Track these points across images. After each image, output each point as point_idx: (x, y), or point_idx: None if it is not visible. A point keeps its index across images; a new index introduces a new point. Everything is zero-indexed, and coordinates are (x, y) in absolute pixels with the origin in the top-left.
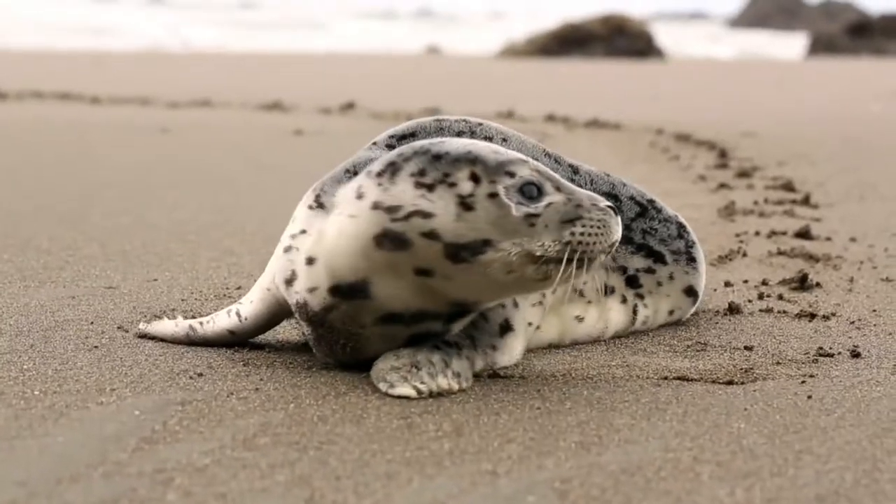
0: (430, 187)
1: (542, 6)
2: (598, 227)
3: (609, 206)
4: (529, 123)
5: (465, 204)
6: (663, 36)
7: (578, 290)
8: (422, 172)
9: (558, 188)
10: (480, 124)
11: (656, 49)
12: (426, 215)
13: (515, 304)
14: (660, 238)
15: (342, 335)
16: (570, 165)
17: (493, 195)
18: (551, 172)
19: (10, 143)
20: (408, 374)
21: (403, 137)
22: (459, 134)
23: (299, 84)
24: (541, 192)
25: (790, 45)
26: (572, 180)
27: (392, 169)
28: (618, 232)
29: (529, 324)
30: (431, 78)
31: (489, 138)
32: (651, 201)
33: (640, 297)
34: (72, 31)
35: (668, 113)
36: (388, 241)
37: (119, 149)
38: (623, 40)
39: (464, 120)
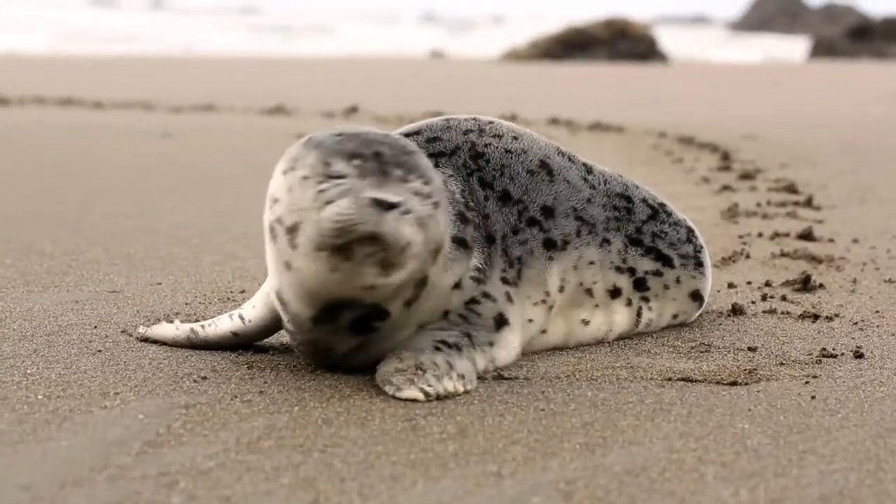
0: (283, 173)
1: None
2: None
3: (388, 202)
4: (533, 126)
5: (287, 186)
6: (666, 40)
7: (587, 290)
8: (288, 160)
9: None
10: (491, 122)
11: (659, 53)
12: (275, 200)
13: (510, 300)
14: (669, 242)
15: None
16: (584, 164)
17: (306, 177)
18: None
19: (13, 148)
20: (413, 376)
21: (408, 136)
22: (467, 132)
23: (302, 88)
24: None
25: (792, 48)
26: (585, 179)
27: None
28: (376, 223)
29: (530, 321)
30: (435, 82)
31: (499, 136)
32: (662, 205)
33: (646, 300)
34: (73, 36)
35: (671, 116)
36: (269, 233)
37: (121, 153)
38: (625, 44)
39: (473, 118)
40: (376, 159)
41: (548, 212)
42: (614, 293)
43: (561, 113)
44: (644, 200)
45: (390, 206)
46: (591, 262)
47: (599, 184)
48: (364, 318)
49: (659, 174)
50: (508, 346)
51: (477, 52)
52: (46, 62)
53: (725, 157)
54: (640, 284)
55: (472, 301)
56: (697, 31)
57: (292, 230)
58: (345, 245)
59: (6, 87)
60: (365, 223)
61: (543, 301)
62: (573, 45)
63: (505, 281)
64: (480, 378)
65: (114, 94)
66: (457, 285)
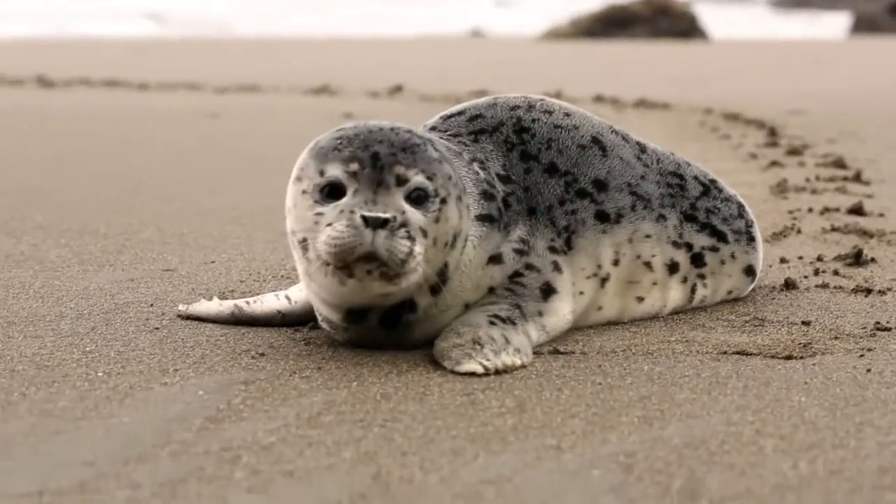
0: (292, 182)
1: None
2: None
3: (364, 217)
4: (578, 104)
5: (293, 200)
6: (706, 17)
7: (645, 263)
8: (296, 168)
9: (356, 193)
10: (542, 100)
11: (700, 30)
12: (287, 210)
13: (558, 268)
14: (722, 217)
15: None
16: (638, 143)
17: (304, 192)
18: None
19: (60, 131)
20: (472, 350)
21: (450, 117)
22: (514, 108)
23: (346, 68)
24: (342, 194)
25: (833, 24)
26: (639, 158)
27: None
28: (368, 241)
29: (581, 293)
30: (478, 61)
31: (549, 112)
32: (713, 181)
33: (702, 276)
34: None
35: (716, 92)
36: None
37: (169, 134)
38: (666, 21)
39: (524, 96)
40: (373, 162)
41: (600, 185)
42: (672, 268)
43: (605, 91)
44: (695, 178)
45: (384, 223)
46: (648, 236)
47: (652, 162)
48: (392, 315)
49: (707, 151)
50: (558, 314)
51: (517, 30)
52: (90, 45)
53: (772, 132)
54: (697, 260)
55: (516, 274)
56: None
57: (303, 244)
58: (347, 265)
59: (51, 69)
60: (358, 245)
61: (595, 274)
62: (614, 22)
63: (553, 250)
64: (536, 352)
65: (158, 76)
66: (494, 259)
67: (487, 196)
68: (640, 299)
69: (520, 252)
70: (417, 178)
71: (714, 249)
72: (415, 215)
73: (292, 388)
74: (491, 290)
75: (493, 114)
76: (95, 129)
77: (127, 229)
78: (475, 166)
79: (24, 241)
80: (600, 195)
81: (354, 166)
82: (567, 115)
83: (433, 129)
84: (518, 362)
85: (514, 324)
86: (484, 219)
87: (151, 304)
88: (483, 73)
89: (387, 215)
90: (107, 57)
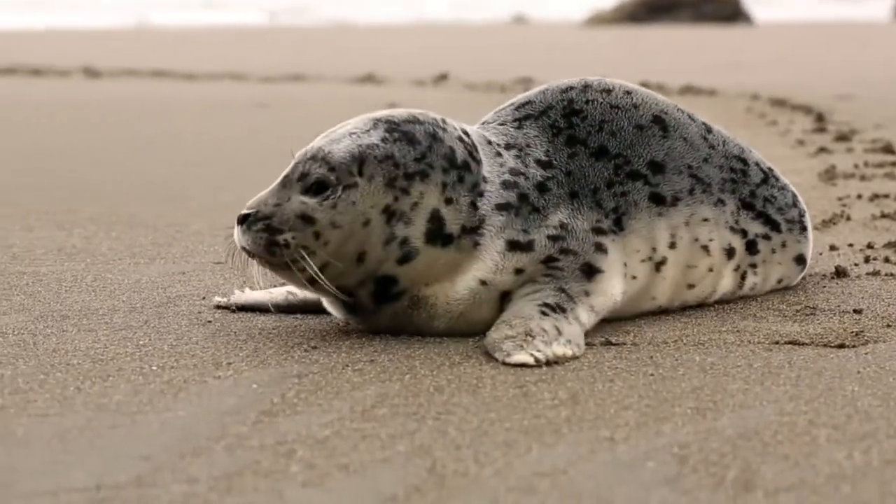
0: None
1: None
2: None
3: (241, 215)
4: None
5: None
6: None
7: (703, 246)
8: None
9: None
10: (601, 79)
11: (744, 14)
12: None
13: (602, 249)
14: (777, 206)
15: None
16: (704, 123)
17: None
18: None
19: (108, 122)
20: (523, 342)
21: (503, 108)
22: (567, 90)
23: (390, 56)
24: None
25: (876, 6)
26: (705, 139)
27: None
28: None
29: (634, 277)
30: (521, 47)
31: (608, 91)
32: (770, 169)
33: (753, 265)
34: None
35: (762, 78)
36: None
37: (216, 125)
38: (710, 5)
39: (581, 78)
40: (298, 161)
41: (656, 167)
42: (730, 253)
43: (650, 77)
44: (757, 164)
45: (243, 219)
46: (706, 220)
47: (718, 144)
48: (377, 291)
49: (755, 137)
50: (606, 293)
51: (560, 15)
52: (136, 35)
53: (819, 118)
54: (750, 247)
55: (550, 259)
56: None
57: None
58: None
59: (98, 60)
60: (234, 241)
61: (650, 258)
62: (658, 7)
63: (599, 231)
64: (588, 343)
65: (204, 66)
66: (516, 245)
67: (507, 185)
68: (691, 286)
69: (554, 238)
70: (318, 172)
71: (767, 238)
72: (294, 205)
73: (345, 381)
74: (520, 272)
75: (541, 98)
76: (142, 120)
77: (176, 221)
78: (507, 155)
79: (75, 234)
80: (656, 177)
81: (289, 167)
82: (628, 93)
83: (484, 122)
84: (570, 353)
85: (563, 310)
86: (501, 207)
87: (203, 298)
88: (527, 59)
89: (249, 211)
90: (153, 47)
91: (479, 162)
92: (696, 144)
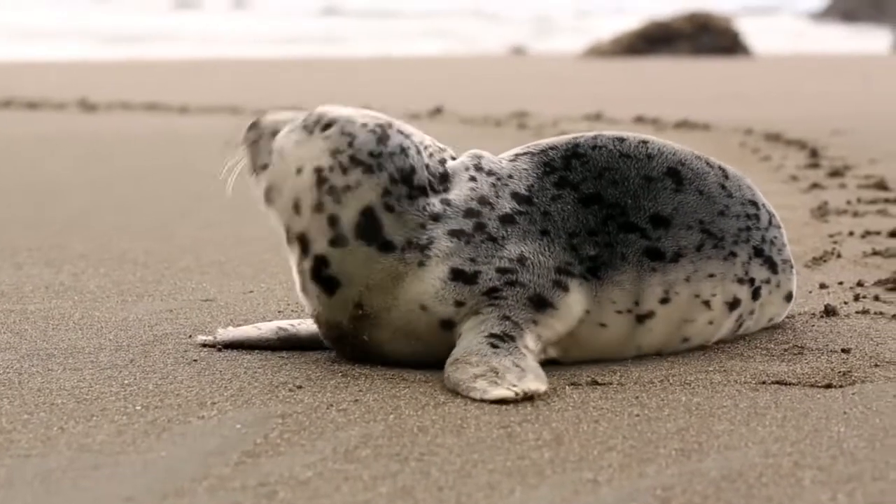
0: None
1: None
2: None
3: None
4: (619, 126)
5: None
6: (749, 32)
7: (704, 301)
8: None
9: None
10: (622, 136)
11: (742, 46)
12: None
13: (562, 286)
14: (778, 248)
15: None
16: (721, 168)
17: None
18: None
19: (101, 155)
20: (496, 378)
21: (531, 145)
22: (578, 136)
23: (386, 88)
24: None
25: (877, 38)
26: (723, 187)
27: None
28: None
29: (603, 325)
30: (518, 80)
31: (621, 140)
32: (765, 205)
33: (752, 311)
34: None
35: (757, 112)
36: None
37: (208, 159)
38: (709, 38)
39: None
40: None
41: (659, 221)
42: (733, 305)
43: (647, 111)
44: (764, 205)
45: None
46: (711, 275)
47: (736, 190)
48: (314, 270)
49: (748, 172)
50: (554, 328)
51: (558, 48)
52: (130, 67)
53: (814, 153)
54: (756, 294)
55: (494, 290)
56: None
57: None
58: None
59: (93, 92)
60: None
61: (629, 310)
62: (656, 39)
63: (565, 272)
64: (574, 383)
65: (199, 99)
66: (460, 274)
67: (470, 213)
68: (686, 339)
69: (504, 270)
70: (318, 112)
71: (768, 282)
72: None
73: (329, 422)
74: (460, 304)
75: (551, 141)
76: (136, 155)
77: (166, 258)
78: (486, 179)
79: (64, 271)
80: (656, 231)
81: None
82: (644, 142)
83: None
84: (542, 388)
85: (511, 339)
86: (454, 234)
87: (190, 336)
88: (523, 92)
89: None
90: (147, 79)
91: (437, 192)
92: (712, 196)
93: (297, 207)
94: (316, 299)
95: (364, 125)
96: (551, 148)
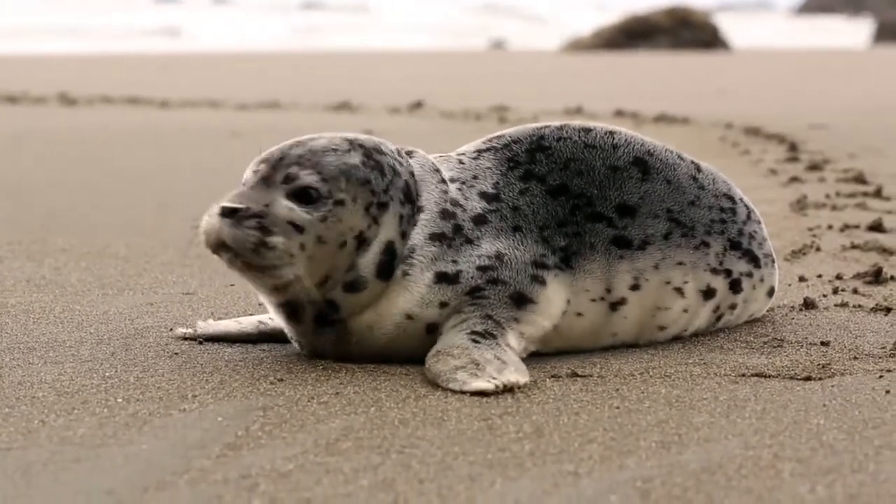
0: None
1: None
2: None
3: (228, 209)
4: (599, 119)
5: None
6: (728, 27)
7: (676, 289)
8: None
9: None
10: (588, 127)
11: (721, 41)
12: None
13: (539, 281)
14: (758, 242)
15: None
16: (693, 162)
17: None
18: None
19: (82, 149)
20: (476, 370)
21: (491, 139)
22: (542, 128)
23: (366, 84)
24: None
25: (855, 31)
26: (694, 179)
27: None
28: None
29: (580, 314)
30: (498, 75)
31: (586, 130)
32: (742, 199)
33: (733, 305)
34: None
35: (737, 106)
36: None
37: (190, 154)
38: (688, 32)
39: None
40: (274, 163)
41: (625, 210)
42: (708, 294)
43: (626, 105)
44: (741, 200)
45: (232, 212)
46: (681, 263)
47: (709, 183)
48: (321, 314)
49: (727, 167)
50: (535, 323)
51: (538, 42)
52: (112, 62)
53: (793, 147)
54: (734, 286)
55: (477, 289)
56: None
57: None
58: (215, 253)
59: (73, 86)
60: (209, 233)
61: (602, 298)
62: (636, 34)
63: (541, 265)
64: (554, 375)
65: (180, 93)
66: (444, 277)
67: (445, 215)
68: (663, 328)
69: (484, 268)
70: (308, 178)
71: (749, 276)
72: (283, 209)
73: (310, 414)
74: (444, 305)
75: (511, 133)
76: (117, 149)
77: (148, 252)
78: (451, 185)
79: (45, 265)
80: (623, 220)
81: (261, 166)
82: (611, 133)
83: (459, 153)
84: (522, 381)
85: (493, 336)
86: (434, 237)
87: (170, 329)
88: (503, 87)
89: (238, 205)
90: (128, 74)
91: (418, 195)
92: (682, 187)
93: (325, 279)
94: (299, 335)
95: (367, 163)
96: (515, 142)
